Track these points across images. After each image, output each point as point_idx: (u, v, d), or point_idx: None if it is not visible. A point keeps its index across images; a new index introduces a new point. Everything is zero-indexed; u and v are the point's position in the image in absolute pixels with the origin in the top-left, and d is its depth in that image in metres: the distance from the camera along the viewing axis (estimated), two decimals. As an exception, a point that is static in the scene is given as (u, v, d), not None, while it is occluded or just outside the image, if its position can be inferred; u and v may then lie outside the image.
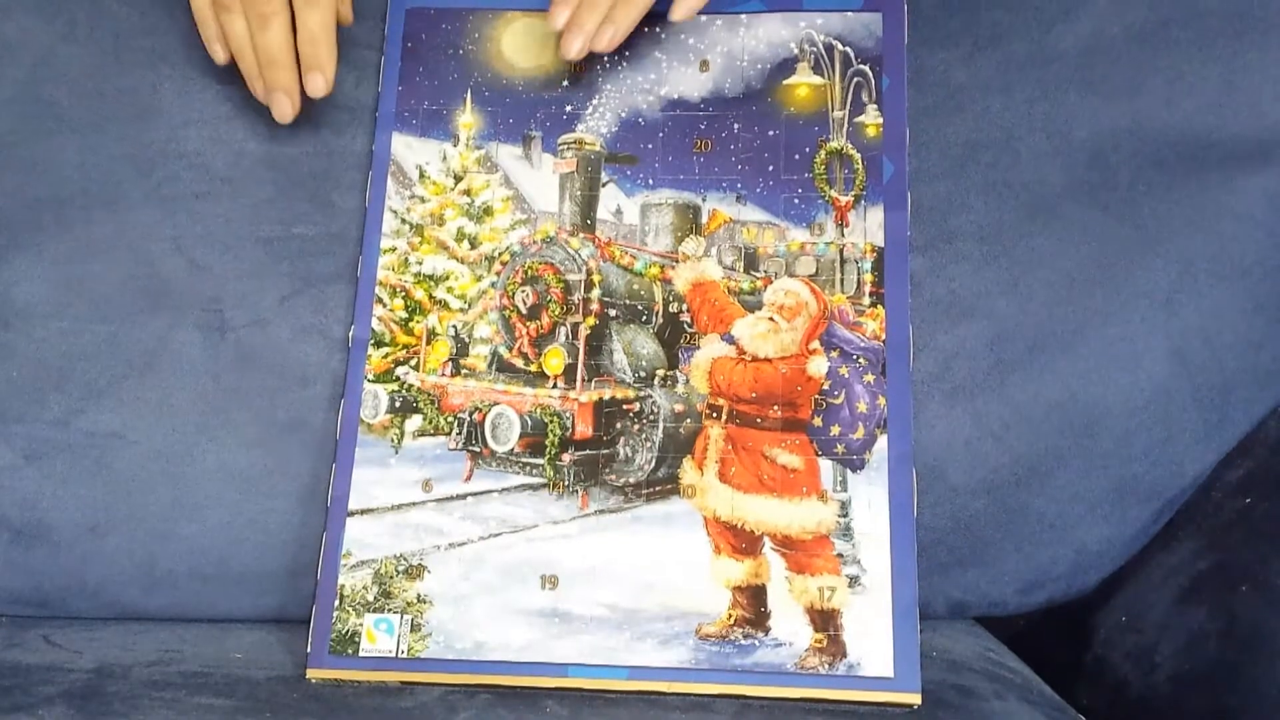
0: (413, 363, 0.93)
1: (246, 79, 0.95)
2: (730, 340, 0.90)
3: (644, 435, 0.90)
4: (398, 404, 0.92)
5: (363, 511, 0.90)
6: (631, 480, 0.89)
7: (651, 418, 0.90)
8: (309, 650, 0.87)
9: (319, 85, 0.93)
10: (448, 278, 0.95)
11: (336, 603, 0.88)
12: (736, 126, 0.95)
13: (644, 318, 0.93)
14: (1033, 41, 0.97)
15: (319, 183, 0.98)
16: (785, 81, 0.95)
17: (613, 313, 0.93)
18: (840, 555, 0.86)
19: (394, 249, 0.96)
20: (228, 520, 0.93)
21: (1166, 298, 0.92)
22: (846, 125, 0.93)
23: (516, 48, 0.99)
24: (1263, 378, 0.93)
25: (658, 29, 0.97)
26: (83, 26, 1.02)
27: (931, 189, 0.94)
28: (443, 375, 0.93)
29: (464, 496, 0.91)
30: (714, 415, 0.89)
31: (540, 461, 0.90)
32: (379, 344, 0.94)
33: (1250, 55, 0.94)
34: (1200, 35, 0.95)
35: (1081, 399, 0.91)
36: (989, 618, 0.97)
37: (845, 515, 0.86)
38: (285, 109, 0.94)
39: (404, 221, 0.96)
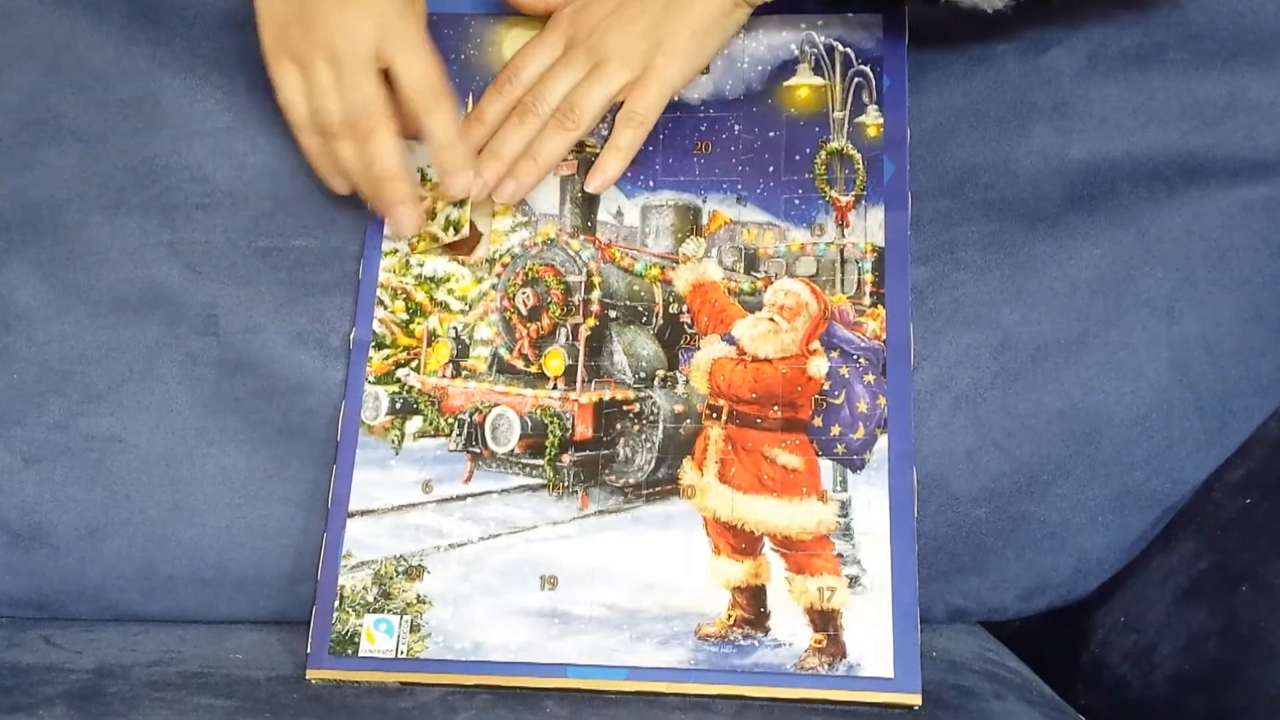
0: (413, 364, 0.93)
1: (368, 201, 0.95)
2: (730, 341, 0.90)
3: (644, 436, 0.90)
4: (398, 405, 0.92)
5: (363, 512, 0.90)
6: (631, 481, 0.89)
7: (651, 418, 0.90)
8: (309, 651, 0.87)
9: (459, 172, 0.93)
10: (448, 279, 0.95)
11: (336, 603, 0.88)
12: (737, 128, 0.95)
13: (644, 319, 0.93)
14: (1028, 63, 0.97)
15: (320, 196, 0.97)
16: (786, 83, 0.95)
17: (613, 314, 0.93)
18: (840, 555, 0.86)
19: (395, 251, 0.96)
20: (226, 525, 0.93)
21: (1168, 306, 0.92)
22: (847, 126, 0.93)
23: (518, 51, 0.99)
24: (1263, 386, 0.93)
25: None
26: (84, 35, 1.02)
27: (932, 205, 0.94)
28: (443, 377, 0.93)
29: (464, 497, 0.91)
30: (714, 416, 0.89)
31: (540, 462, 0.90)
32: (380, 346, 0.94)
33: (1247, 76, 0.94)
34: (1196, 57, 0.95)
35: (1083, 407, 0.91)
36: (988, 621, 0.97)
37: (845, 515, 0.86)
38: (409, 221, 0.94)
39: (406, 223, 0.96)
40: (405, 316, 0.94)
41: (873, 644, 0.84)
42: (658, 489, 0.89)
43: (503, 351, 0.94)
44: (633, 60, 0.91)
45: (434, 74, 0.90)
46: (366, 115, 0.90)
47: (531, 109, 0.93)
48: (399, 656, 0.86)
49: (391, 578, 0.88)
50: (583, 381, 0.92)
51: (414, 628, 0.87)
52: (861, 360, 0.89)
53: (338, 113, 0.90)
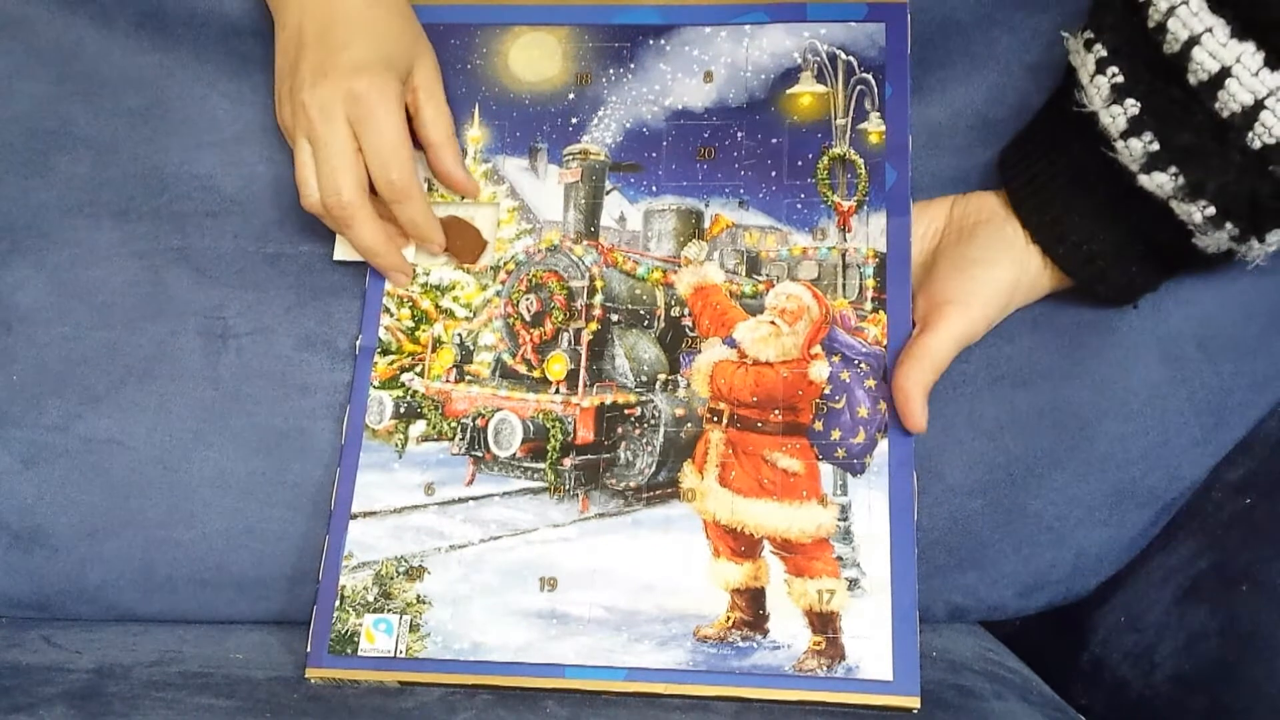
0: (418, 369, 0.94)
1: None
2: (732, 344, 0.91)
3: (645, 439, 0.90)
4: (402, 409, 0.93)
5: (365, 514, 0.90)
6: (632, 484, 0.89)
7: (652, 422, 0.90)
8: (308, 650, 0.87)
9: (435, 250, 0.96)
10: (454, 287, 0.96)
11: (337, 603, 0.88)
12: (740, 135, 0.95)
13: (646, 322, 0.93)
14: (1031, 63, 0.97)
15: None
16: (788, 90, 0.96)
17: (615, 318, 0.93)
18: (840, 558, 0.85)
19: (401, 259, 0.96)
20: (225, 526, 0.93)
21: (1156, 302, 0.92)
22: (849, 132, 0.94)
23: (523, 61, 0.99)
24: (1259, 383, 0.93)
25: (662, 41, 0.98)
26: (92, 44, 1.03)
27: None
28: (447, 381, 0.94)
29: (465, 500, 0.91)
30: (715, 419, 0.89)
31: (542, 466, 0.91)
32: (385, 352, 0.94)
33: None
34: None
35: (1074, 401, 0.91)
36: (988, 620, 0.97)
37: (845, 519, 0.86)
38: (401, 281, 0.96)
39: (411, 232, 0.97)
40: (411, 324, 0.95)
41: (871, 646, 0.83)
42: (658, 492, 0.89)
43: (506, 357, 0.94)
44: None
45: (399, 153, 0.91)
46: (341, 207, 0.90)
47: None
48: (398, 656, 0.86)
49: (392, 578, 0.88)
50: (584, 386, 0.92)
51: (413, 627, 0.87)
52: (863, 365, 0.89)
53: (315, 194, 0.91)
